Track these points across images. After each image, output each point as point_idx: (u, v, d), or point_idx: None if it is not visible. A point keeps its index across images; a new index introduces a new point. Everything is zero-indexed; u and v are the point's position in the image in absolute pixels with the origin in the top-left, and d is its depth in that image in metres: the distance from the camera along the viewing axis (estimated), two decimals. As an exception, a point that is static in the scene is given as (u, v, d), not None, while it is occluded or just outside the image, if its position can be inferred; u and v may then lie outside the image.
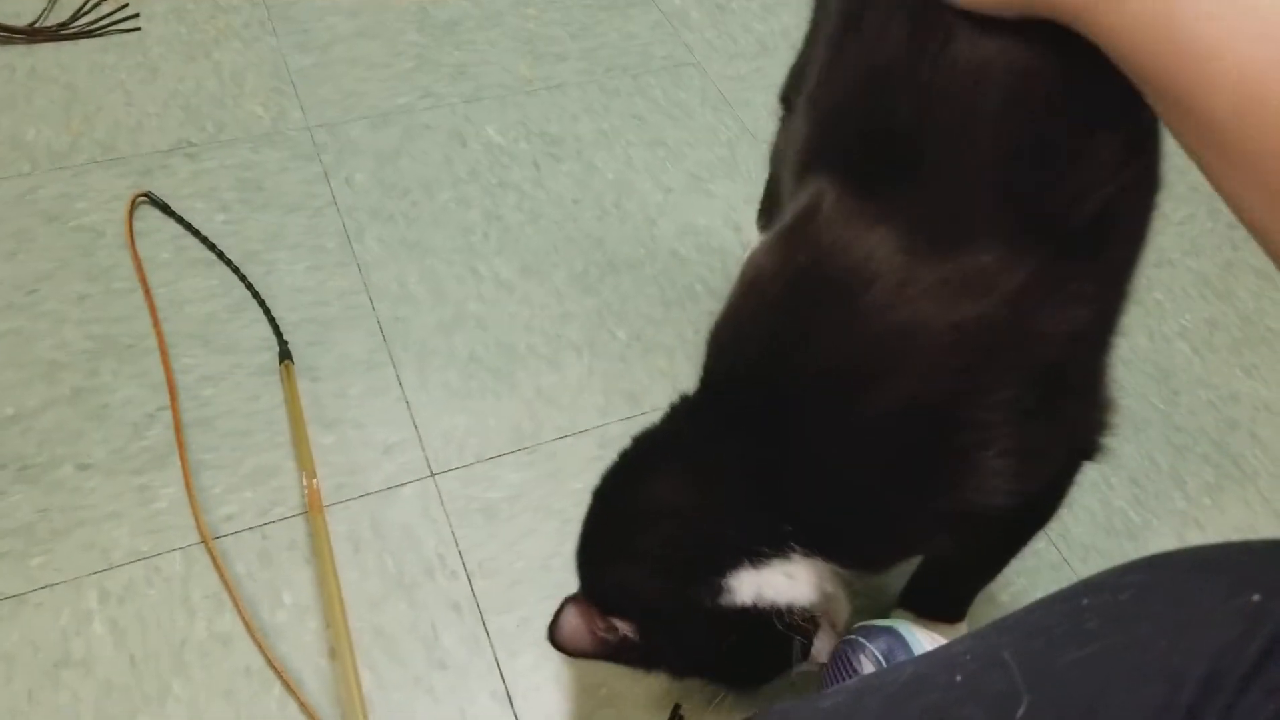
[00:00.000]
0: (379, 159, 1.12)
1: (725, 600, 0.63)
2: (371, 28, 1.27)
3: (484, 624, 0.80)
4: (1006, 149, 0.53)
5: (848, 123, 0.61)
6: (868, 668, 0.67)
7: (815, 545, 0.62)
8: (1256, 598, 0.39)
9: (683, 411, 0.68)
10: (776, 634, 0.64)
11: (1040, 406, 0.57)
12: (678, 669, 0.72)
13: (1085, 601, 0.42)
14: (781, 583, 0.63)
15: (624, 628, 0.67)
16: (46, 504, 0.82)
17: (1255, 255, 1.24)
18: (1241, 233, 1.32)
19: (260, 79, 1.18)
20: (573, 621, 0.68)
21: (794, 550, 0.62)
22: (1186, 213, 1.26)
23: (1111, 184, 0.55)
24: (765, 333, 0.62)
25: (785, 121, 0.84)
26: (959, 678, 0.41)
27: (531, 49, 1.29)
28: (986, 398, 0.56)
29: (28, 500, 0.82)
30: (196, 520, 0.82)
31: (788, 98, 0.84)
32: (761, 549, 0.62)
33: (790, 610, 0.64)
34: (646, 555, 0.65)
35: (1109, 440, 0.63)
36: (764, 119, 1.26)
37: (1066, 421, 0.60)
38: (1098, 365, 0.61)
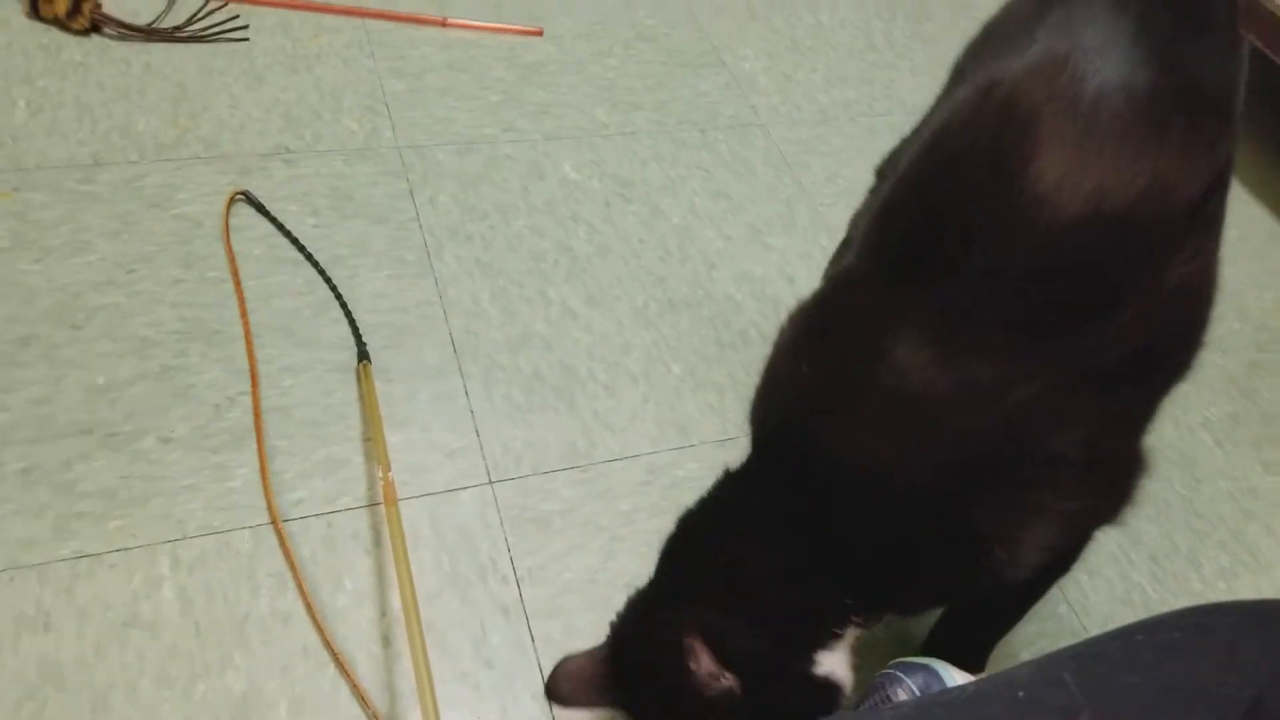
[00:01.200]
0: (461, 183, 1.18)
1: (814, 670, 0.65)
2: (462, 61, 1.34)
3: (530, 629, 0.84)
4: (1045, 277, 0.59)
5: (909, 203, 0.67)
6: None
7: (864, 605, 0.66)
8: None
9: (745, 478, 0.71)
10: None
11: (1040, 508, 0.61)
12: None
13: (1140, 638, 0.45)
14: (842, 660, 0.67)
15: (730, 680, 0.65)
16: (128, 471, 0.86)
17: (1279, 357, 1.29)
18: (1267, 335, 1.36)
19: (357, 97, 1.25)
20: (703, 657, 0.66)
21: (850, 624, 0.66)
22: (1216, 313, 1.31)
23: (1134, 340, 0.60)
24: (793, 413, 0.67)
25: (872, 192, 0.90)
26: (1021, 694, 0.45)
27: (609, 96, 1.36)
28: (985, 499, 0.61)
29: (111, 466, 0.86)
30: (268, 502, 0.86)
31: (883, 172, 0.90)
32: (835, 625, 0.66)
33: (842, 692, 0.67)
34: (769, 620, 0.66)
35: (1129, 513, 0.66)
36: (821, 183, 1.32)
37: (1072, 518, 0.64)
38: (1112, 466, 0.64)
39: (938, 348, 0.60)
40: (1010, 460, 0.60)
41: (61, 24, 1.22)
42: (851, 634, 0.67)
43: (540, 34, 1.42)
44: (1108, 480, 0.64)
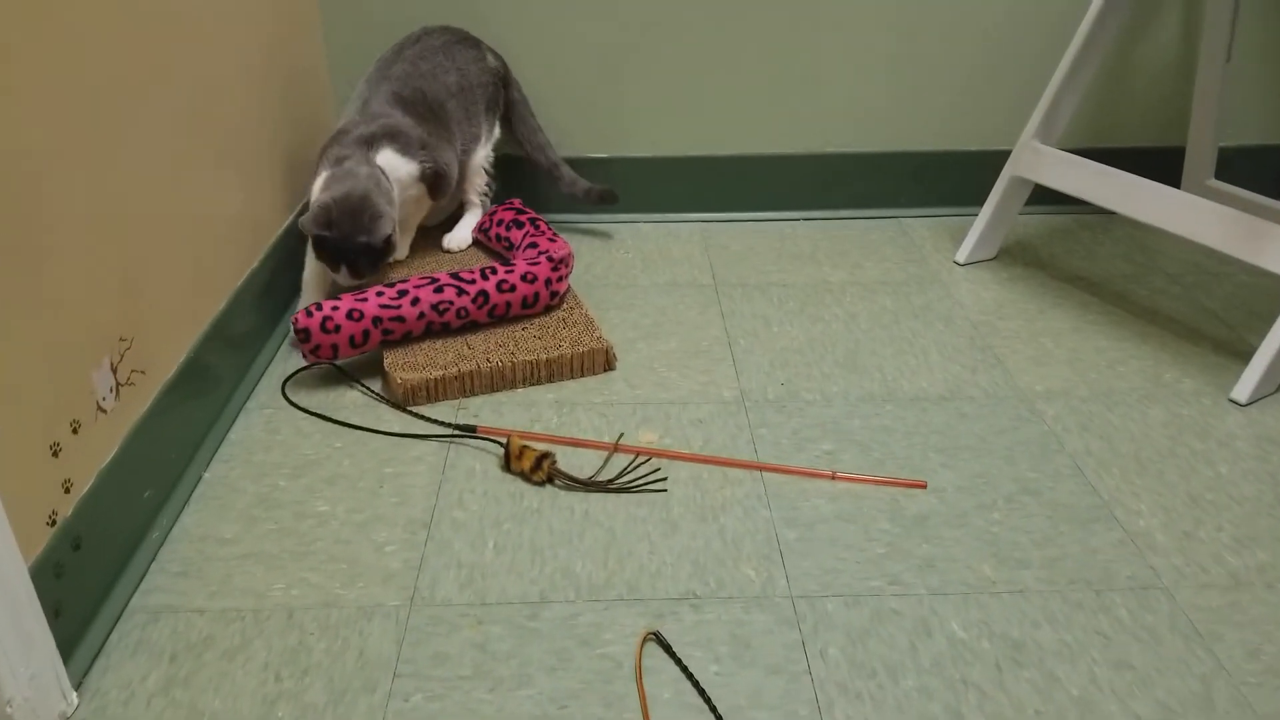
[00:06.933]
0: (850, 636, 1.24)
1: None
2: (849, 513, 1.46)
3: None
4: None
5: None
6: None
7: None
8: None
9: None
10: None
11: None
12: None
13: None
14: None
15: None
16: None
17: None
18: None
19: (755, 545, 1.39)
20: None
21: None
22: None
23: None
24: None
25: None
26: None
27: (995, 551, 1.39)
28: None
29: None
30: None
31: None
32: None
33: None
34: None
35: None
36: (1241, 658, 1.21)
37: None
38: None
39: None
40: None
41: (525, 476, 1.52)
42: None
43: (924, 486, 1.51)
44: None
